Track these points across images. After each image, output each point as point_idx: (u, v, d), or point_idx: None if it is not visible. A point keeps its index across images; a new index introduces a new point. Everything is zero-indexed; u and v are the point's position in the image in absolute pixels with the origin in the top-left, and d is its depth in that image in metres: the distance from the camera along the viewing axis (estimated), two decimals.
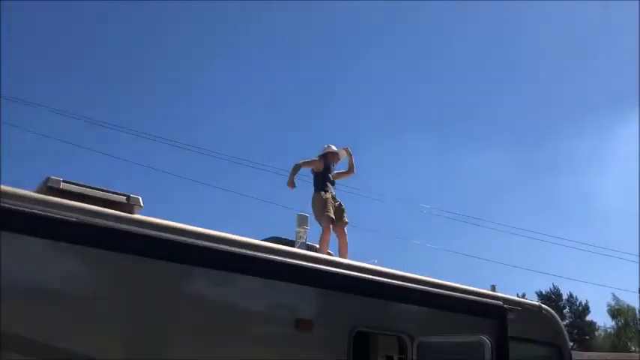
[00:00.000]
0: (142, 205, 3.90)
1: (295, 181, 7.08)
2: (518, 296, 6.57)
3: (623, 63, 58.53)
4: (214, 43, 55.15)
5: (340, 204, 7.02)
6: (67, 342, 3.25)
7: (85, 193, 3.73)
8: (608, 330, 44.93)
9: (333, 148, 7.35)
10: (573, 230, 53.99)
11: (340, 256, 6.36)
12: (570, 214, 60.15)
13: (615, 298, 40.87)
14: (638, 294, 39.24)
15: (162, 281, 3.67)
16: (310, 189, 7.09)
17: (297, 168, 7.12)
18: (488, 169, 58.19)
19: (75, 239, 3.37)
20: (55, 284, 3.39)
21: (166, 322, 3.64)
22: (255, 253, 3.97)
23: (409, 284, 4.68)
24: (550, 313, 5.82)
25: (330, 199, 6.89)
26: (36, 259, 3.29)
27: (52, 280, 3.37)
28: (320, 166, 7.12)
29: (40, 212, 3.22)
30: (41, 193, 3.55)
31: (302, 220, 6.34)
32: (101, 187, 3.84)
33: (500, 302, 5.07)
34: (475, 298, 5.04)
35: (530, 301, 5.86)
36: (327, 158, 7.24)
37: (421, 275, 4.94)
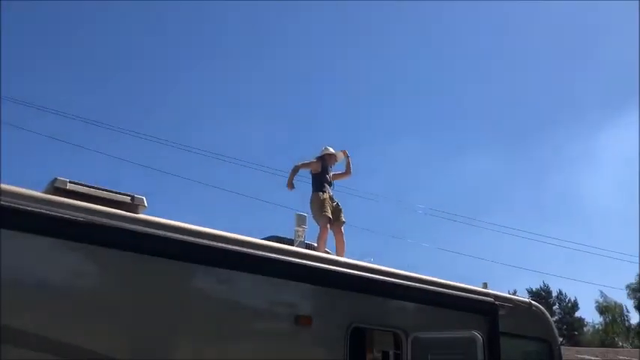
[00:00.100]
0: (146, 205, 3.96)
1: (294, 182, 7.19)
2: (509, 293, 6.67)
3: (613, 65, 58.93)
4: (214, 43, 54.83)
5: (338, 204, 7.10)
6: (70, 339, 3.31)
7: (91, 193, 3.79)
8: (597, 326, 45.36)
9: (331, 150, 7.44)
10: (563, 229, 54.26)
11: (337, 254, 6.43)
12: (560, 213, 60.58)
13: (603, 295, 41.33)
14: (625, 291, 39.80)
15: (165, 279, 3.74)
16: (309, 189, 7.20)
17: (295, 170, 7.22)
18: (480, 169, 58.40)
19: (81, 238, 3.44)
20: (61, 282, 3.45)
21: (168, 318, 3.71)
22: (256, 252, 4.05)
23: (404, 282, 4.78)
24: (540, 309, 5.92)
25: (328, 200, 6.98)
26: (43, 257, 3.35)
27: (58, 278, 3.43)
28: (318, 168, 7.22)
29: (47, 212, 3.29)
30: (49, 194, 3.62)
31: (301, 220, 6.43)
32: (106, 188, 3.91)
33: (491, 299, 5.16)
34: (467, 294, 5.13)
35: (520, 298, 5.95)
36: (325, 160, 7.32)
37: (415, 273, 5.04)
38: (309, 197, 7.09)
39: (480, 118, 60.60)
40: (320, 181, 7.13)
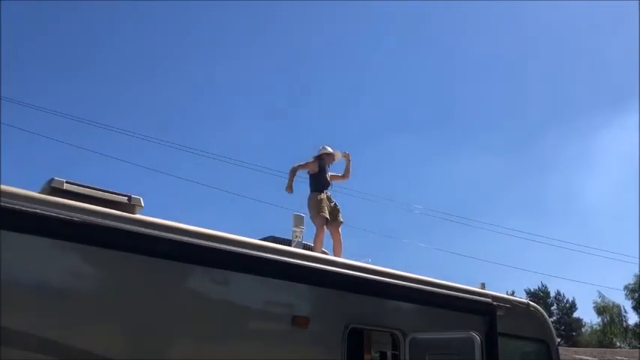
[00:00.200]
0: (142, 205, 3.95)
1: (293, 185, 7.18)
2: (507, 294, 6.69)
3: (612, 65, 59.00)
4: (212, 43, 54.82)
5: (335, 204, 7.09)
6: (68, 340, 3.30)
7: (88, 193, 3.78)
8: (594, 326, 45.37)
9: (329, 149, 7.41)
10: (561, 230, 54.45)
11: (334, 254, 6.43)
12: (558, 213, 60.70)
13: (601, 295, 41.26)
14: (623, 291, 39.84)
15: (161, 279, 3.73)
16: (307, 189, 7.19)
17: (293, 171, 7.22)
18: (477, 170, 58.41)
19: (77, 239, 3.43)
20: (58, 283, 3.44)
21: (165, 319, 3.70)
22: (253, 252, 4.04)
23: (401, 282, 4.78)
24: (538, 310, 5.93)
25: (325, 200, 6.97)
26: (40, 258, 3.34)
27: (55, 279, 3.42)
28: (315, 168, 7.20)
29: (44, 212, 3.28)
30: (45, 194, 3.60)
31: (298, 220, 6.42)
32: (103, 188, 3.90)
33: (489, 299, 5.16)
34: (465, 295, 5.14)
35: (518, 299, 5.96)
36: (322, 159, 7.30)
37: (413, 273, 5.04)
38: (307, 198, 7.07)
39: (478, 117, 60.66)
40: (317, 182, 7.13)
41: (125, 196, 3.92)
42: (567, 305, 51.74)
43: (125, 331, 3.59)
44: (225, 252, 3.89)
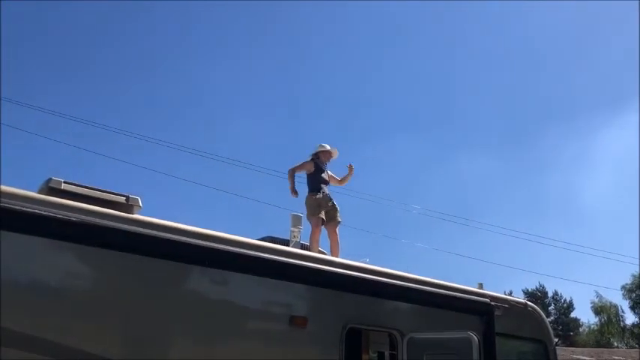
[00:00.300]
0: (140, 205, 3.96)
1: (296, 186, 7.19)
2: (504, 294, 6.69)
3: (612, 65, 59.11)
4: (211, 42, 54.77)
5: (333, 203, 7.08)
6: (66, 340, 3.30)
7: (86, 193, 3.79)
8: (592, 326, 45.44)
9: (327, 146, 7.39)
10: (559, 230, 54.58)
11: (331, 254, 6.43)
12: (556, 214, 60.78)
13: (598, 295, 41.36)
14: (620, 291, 39.94)
15: (160, 279, 3.72)
16: (305, 189, 7.18)
17: (291, 174, 7.21)
18: (476, 170, 58.49)
19: (75, 239, 3.42)
20: (56, 283, 3.43)
21: (163, 319, 3.70)
22: (251, 252, 4.04)
23: (399, 282, 4.78)
24: (535, 309, 5.94)
25: (322, 200, 6.96)
26: (37, 258, 3.33)
27: (52, 279, 3.41)
28: (311, 168, 7.20)
29: (42, 212, 3.27)
30: (43, 194, 3.61)
31: (296, 220, 6.42)
32: (101, 188, 3.90)
33: (487, 299, 5.17)
34: (463, 295, 5.14)
35: (516, 299, 5.97)
36: (319, 158, 7.31)
37: (411, 273, 5.04)
38: (305, 198, 7.07)
39: (477, 117, 60.74)
40: (314, 181, 7.12)
41: (123, 196, 3.92)
42: (565, 305, 51.82)
43: (123, 331, 3.59)
44: (223, 252, 3.89)
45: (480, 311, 4.99)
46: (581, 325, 50.30)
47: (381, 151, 58.04)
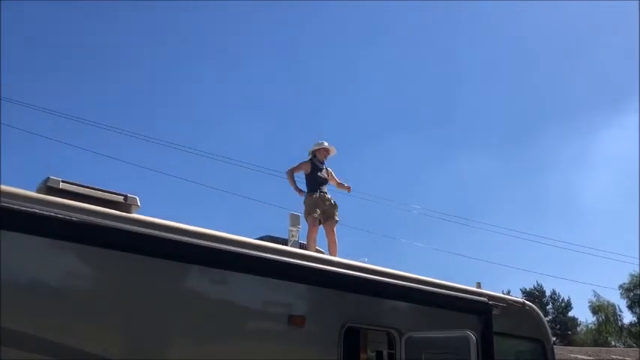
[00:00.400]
0: (139, 204, 3.95)
1: (299, 186, 7.19)
2: (502, 293, 6.70)
3: (611, 65, 59.16)
4: (208, 43, 54.69)
5: (332, 202, 7.08)
6: (65, 339, 3.30)
7: (84, 192, 3.78)
8: (590, 325, 45.54)
9: (325, 144, 7.38)
10: (557, 229, 54.67)
11: (329, 253, 6.43)
12: (554, 214, 60.86)
13: (596, 294, 41.45)
14: (618, 291, 40.03)
15: (158, 279, 3.72)
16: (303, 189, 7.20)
17: (290, 175, 7.23)
18: (475, 170, 58.54)
19: (73, 238, 3.40)
20: (55, 282, 3.43)
21: (162, 318, 3.70)
22: (250, 252, 4.03)
23: (398, 281, 4.78)
24: (533, 309, 5.95)
25: (319, 199, 6.96)
26: (35, 257, 3.33)
27: (51, 279, 3.41)
28: (308, 168, 7.20)
29: (40, 211, 3.26)
30: (41, 193, 3.60)
31: (295, 220, 6.42)
32: (100, 187, 3.89)
33: (485, 299, 5.16)
34: (461, 294, 5.14)
35: (514, 298, 5.98)
36: (316, 157, 7.31)
37: (409, 273, 5.05)
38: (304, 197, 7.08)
39: (477, 117, 60.78)
40: (312, 181, 7.13)
41: (121, 195, 3.92)
42: (563, 304, 51.95)
43: (122, 330, 3.59)
44: (222, 251, 3.88)
45: (478, 310, 4.99)
46: (578, 325, 50.45)
47: (381, 151, 58.08)
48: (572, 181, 62.17)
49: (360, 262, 4.96)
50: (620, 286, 39.91)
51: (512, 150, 61.24)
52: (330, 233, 6.87)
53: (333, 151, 7.45)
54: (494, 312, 5.04)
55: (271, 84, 57.18)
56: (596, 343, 39.14)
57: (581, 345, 37.62)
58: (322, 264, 4.54)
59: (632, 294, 39.88)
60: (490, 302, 5.11)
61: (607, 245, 49.86)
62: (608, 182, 60.25)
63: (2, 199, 3.14)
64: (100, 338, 3.44)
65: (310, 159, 7.28)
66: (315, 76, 61.40)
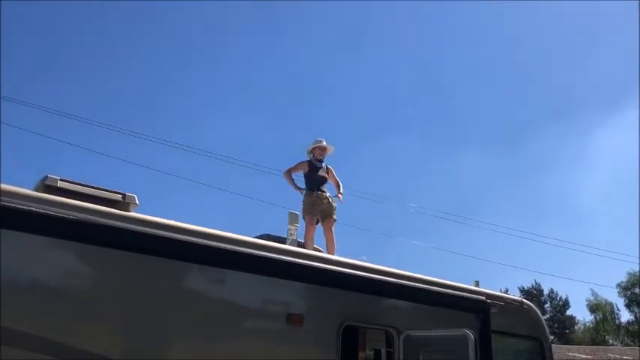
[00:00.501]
0: (137, 203, 3.95)
1: (297, 184, 7.20)
2: (500, 291, 6.71)
3: (610, 65, 59.21)
4: (208, 42, 54.64)
5: (330, 201, 7.09)
6: (63, 338, 3.29)
7: (82, 191, 3.78)
8: (587, 324, 45.69)
9: (323, 142, 7.39)
10: (555, 228, 54.79)
11: (327, 252, 6.44)
12: (552, 212, 60.97)
13: (594, 293, 41.59)
14: (615, 289, 40.16)
15: (157, 278, 3.72)
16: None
17: (288, 175, 7.24)
18: (473, 168, 58.56)
19: (71, 237, 3.41)
20: (53, 281, 3.42)
21: (161, 317, 3.69)
22: (248, 250, 4.04)
23: (396, 280, 4.79)
24: (531, 307, 5.95)
25: (317, 198, 6.96)
26: (33, 256, 3.32)
27: (49, 277, 3.41)
28: (306, 168, 7.21)
29: (38, 210, 3.25)
30: (39, 192, 3.60)
31: (293, 218, 6.44)
32: (98, 186, 3.89)
33: (483, 297, 5.18)
34: (459, 293, 5.15)
35: (512, 296, 5.98)
36: (313, 155, 7.31)
37: (407, 271, 5.05)
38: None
39: (475, 116, 60.84)
40: (310, 181, 7.14)
41: (120, 193, 3.92)
42: (560, 303, 51.99)
43: (120, 329, 3.58)
44: (221, 250, 3.89)
45: (476, 309, 5.01)
46: (576, 323, 50.56)
47: (379, 149, 58.10)
48: (570, 179, 62.30)
49: (359, 260, 4.95)
50: (618, 285, 40.10)
51: (510, 148, 61.33)
52: (328, 232, 6.87)
53: (331, 150, 7.44)
54: (493, 310, 5.06)
55: (271, 83, 57.15)
56: (593, 342, 39.23)
57: (579, 344, 37.71)
58: (320, 263, 4.54)
59: (629, 292, 40.03)
60: (488, 301, 5.14)
61: (605, 244, 50.10)
62: (606, 181, 60.42)
63: (0, 197, 3.14)
64: (99, 337, 3.44)
65: (308, 160, 7.28)
66: (315, 75, 61.40)
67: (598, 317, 41.88)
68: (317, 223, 6.85)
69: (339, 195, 7.21)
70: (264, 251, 4.15)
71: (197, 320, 3.82)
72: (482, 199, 61.37)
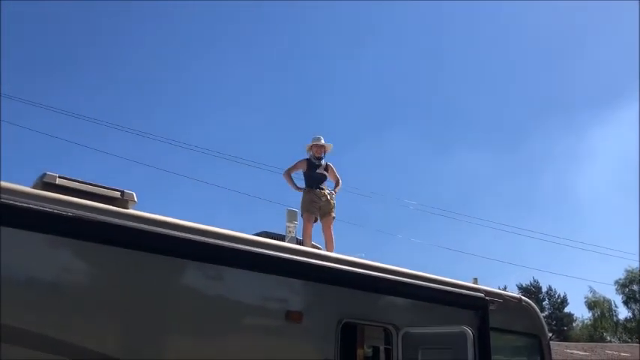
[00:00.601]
0: (135, 200, 3.96)
1: (297, 184, 7.18)
2: (499, 289, 6.71)
3: (609, 64, 59.23)
4: (207, 41, 54.53)
5: (329, 199, 7.08)
6: (63, 335, 3.30)
7: (81, 188, 3.78)
8: (585, 321, 45.78)
9: (322, 140, 7.38)
10: (553, 225, 54.84)
11: (326, 249, 6.43)
12: (550, 209, 61.06)
13: (592, 290, 41.70)
14: (613, 286, 40.26)
15: (155, 275, 3.72)
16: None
17: (287, 175, 7.24)
18: (471, 165, 58.57)
19: (70, 234, 3.41)
20: (51, 278, 3.42)
21: (159, 314, 3.70)
22: (247, 248, 4.05)
23: (395, 277, 4.80)
24: (530, 304, 5.96)
25: (315, 196, 6.94)
26: (32, 254, 3.32)
27: (48, 275, 3.40)
28: (304, 166, 7.20)
29: (36, 207, 3.26)
30: (38, 189, 3.59)
31: (292, 216, 6.43)
32: (96, 183, 3.89)
33: (482, 294, 5.19)
34: (458, 290, 5.15)
35: (510, 294, 5.99)
36: (312, 153, 7.29)
37: (406, 268, 5.05)
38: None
39: (472, 113, 60.83)
40: (309, 179, 7.12)
41: (118, 191, 3.92)
42: (559, 300, 52.09)
43: (119, 326, 3.58)
44: (219, 247, 3.89)
45: (474, 306, 5.02)
46: (574, 320, 50.67)
47: (375, 146, 58.14)
48: (567, 176, 62.38)
49: (357, 257, 4.95)
50: (616, 282, 40.21)
51: (507, 144, 61.43)
52: (326, 230, 6.86)
53: (329, 147, 7.44)
54: (491, 307, 5.07)
55: (270, 82, 57.08)
56: (591, 339, 39.31)
57: (577, 340, 37.78)
58: (319, 260, 4.54)
59: (627, 290, 40.14)
60: (487, 298, 5.14)
61: (603, 241, 50.14)
62: (604, 177, 60.53)
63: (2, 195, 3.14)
64: (98, 335, 3.43)
65: (307, 158, 7.28)
66: (314, 73, 61.33)
67: (596, 314, 41.99)
68: (315, 220, 6.85)
69: (334, 191, 7.23)
70: (262, 248, 4.15)
71: (196, 317, 3.82)
72: (480, 196, 61.47)
